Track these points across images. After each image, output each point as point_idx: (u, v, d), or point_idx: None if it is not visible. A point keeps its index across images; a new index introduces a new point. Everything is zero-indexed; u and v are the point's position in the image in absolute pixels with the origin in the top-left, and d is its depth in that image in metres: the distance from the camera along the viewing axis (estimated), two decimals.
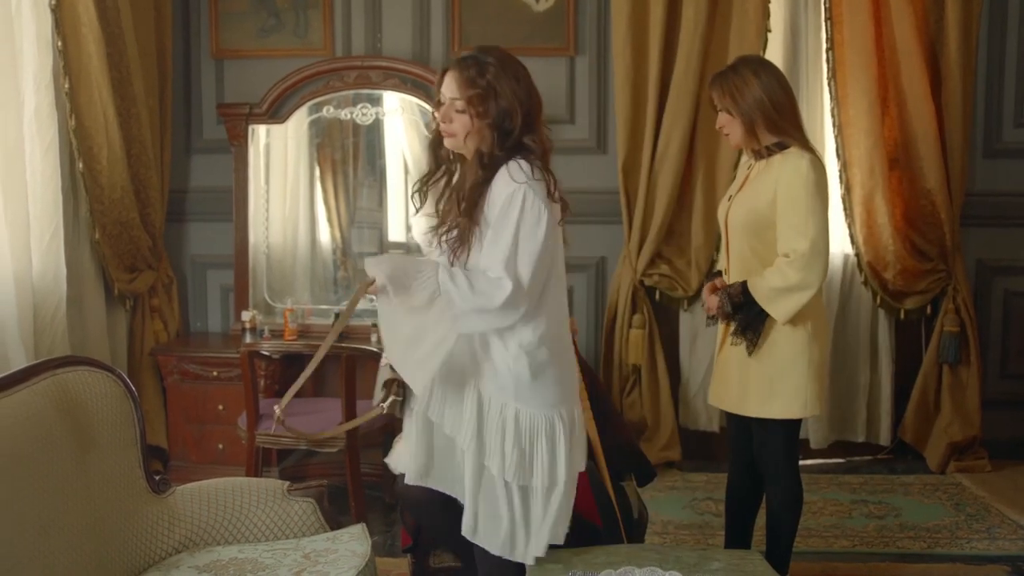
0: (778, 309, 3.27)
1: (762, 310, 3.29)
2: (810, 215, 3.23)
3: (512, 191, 2.59)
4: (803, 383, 3.32)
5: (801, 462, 3.53)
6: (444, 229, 2.66)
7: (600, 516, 3.20)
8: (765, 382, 3.33)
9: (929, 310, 5.17)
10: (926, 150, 4.95)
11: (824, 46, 5.02)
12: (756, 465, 3.49)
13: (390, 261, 2.67)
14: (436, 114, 2.74)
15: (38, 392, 2.57)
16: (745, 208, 3.37)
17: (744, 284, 3.32)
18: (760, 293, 3.28)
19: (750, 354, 3.33)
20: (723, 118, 3.39)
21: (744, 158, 3.62)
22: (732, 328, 3.40)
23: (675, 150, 4.96)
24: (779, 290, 3.25)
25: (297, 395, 4.95)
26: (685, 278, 5.12)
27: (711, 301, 3.47)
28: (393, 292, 2.60)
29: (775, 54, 4.96)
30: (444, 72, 2.71)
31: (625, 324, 5.11)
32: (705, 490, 4.81)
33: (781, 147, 3.33)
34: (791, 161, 3.27)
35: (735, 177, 3.81)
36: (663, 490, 4.77)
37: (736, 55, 4.08)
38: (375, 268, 2.64)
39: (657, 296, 5.16)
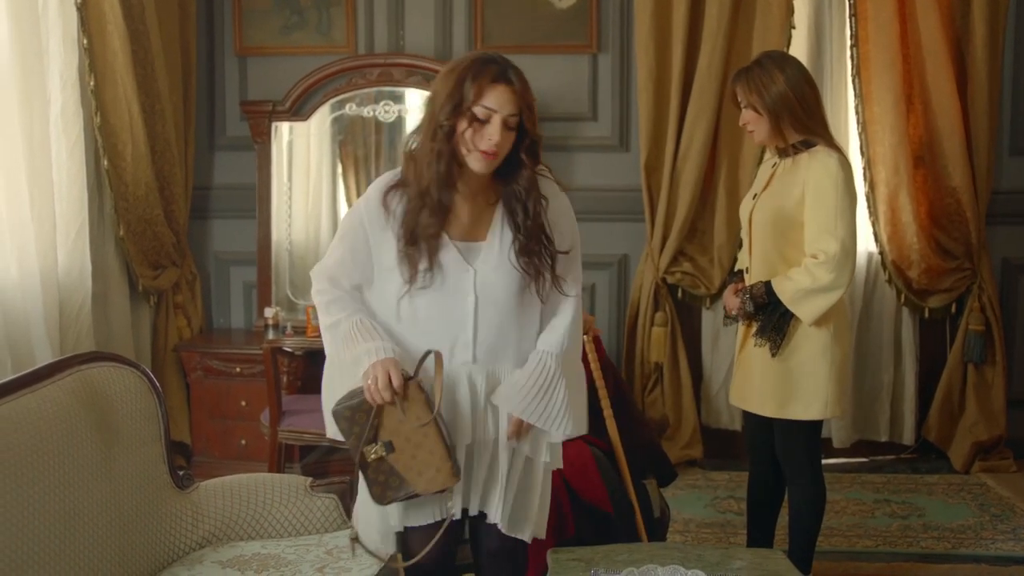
0: (805, 310, 3.23)
1: (786, 311, 3.26)
2: (839, 216, 3.18)
3: (566, 202, 2.57)
4: (825, 384, 3.28)
5: (824, 461, 3.51)
6: (530, 256, 2.46)
7: (611, 503, 3.20)
8: (787, 383, 3.30)
9: (954, 309, 5.13)
10: (951, 148, 4.91)
11: (848, 43, 4.99)
12: (778, 464, 3.47)
13: (522, 399, 2.47)
14: (468, 136, 2.33)
15: (63, 387, 2.59)
16: (771, 207, 3.32)
17: (768, 284, 3.29)
18: (787, 294, 3.24)
19: (774, 355, 3.29)
20: (748, 114, 3.33)
21: (767, 156, 3.58)
22: (755, 329, 3.37)
23: (698, 147, 4.94)
24: (808, 291, 3.21)
25: (308, 392, 5.02)
26: (708, 276, 5.10)
27: (731, 302, 3.44)
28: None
29: (799, 51, 4.93)
30: (489, 83, 2.31)
31: (647, 322, 5.10)
32: (727, 488, 4.80)
33: (807, 145, 3.28)
34: (820, 160, 3.22)
35: (757, 175, 3.78)
36: (685, 488, 4.76)
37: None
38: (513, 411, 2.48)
39: (679, 294, 5.15)
